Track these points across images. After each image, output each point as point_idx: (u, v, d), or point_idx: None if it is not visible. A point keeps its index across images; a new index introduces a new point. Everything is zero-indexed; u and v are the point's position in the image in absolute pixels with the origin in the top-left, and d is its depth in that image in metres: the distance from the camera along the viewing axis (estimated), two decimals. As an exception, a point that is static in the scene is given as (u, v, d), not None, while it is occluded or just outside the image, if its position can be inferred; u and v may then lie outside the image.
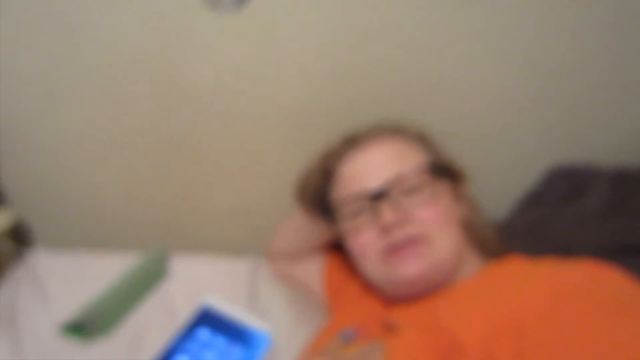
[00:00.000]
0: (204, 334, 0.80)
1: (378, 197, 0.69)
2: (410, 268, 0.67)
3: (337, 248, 0.92)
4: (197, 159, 1.01)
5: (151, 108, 0.97)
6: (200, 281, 0.88)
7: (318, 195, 0.81)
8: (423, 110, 0.91)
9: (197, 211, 1.05)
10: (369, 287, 0.78)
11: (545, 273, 0.60)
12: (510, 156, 0.97)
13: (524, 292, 0.57)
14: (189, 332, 0.80)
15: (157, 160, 1.01)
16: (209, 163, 1.02)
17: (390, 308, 0.71)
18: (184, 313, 0.82)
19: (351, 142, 0.77)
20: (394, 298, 0.72)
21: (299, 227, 0.90)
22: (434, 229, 0.68)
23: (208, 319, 0.83)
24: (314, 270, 0.92)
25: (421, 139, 0.78)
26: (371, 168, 0.72)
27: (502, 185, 0.98)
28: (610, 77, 0.93)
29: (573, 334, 0.50)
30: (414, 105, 0.92)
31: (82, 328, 0.75)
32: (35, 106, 0.97)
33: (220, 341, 0.80)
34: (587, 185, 0.91)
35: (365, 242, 0.71)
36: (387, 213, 0.68)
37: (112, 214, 1.05)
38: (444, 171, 0.74)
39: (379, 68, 0.92)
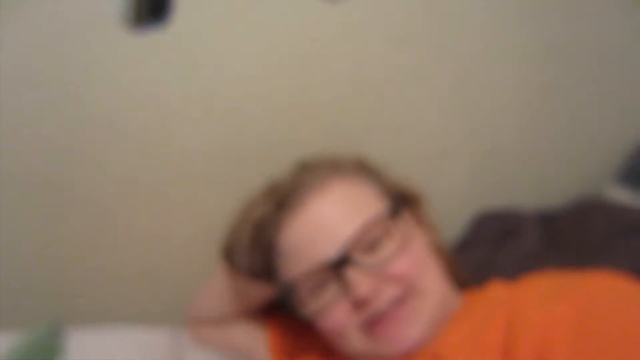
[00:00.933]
0: None
1: (341, 264, 0.57)
2: (406, 335, 0.57)
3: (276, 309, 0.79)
4: (100, 211, 0.85)
5: (45, 147, 0.80)
6: (110, 358, 0.69)
7: (257, 269, 0.67)
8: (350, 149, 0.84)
9: (100, 275, 0.86)
10: (337, 354, 0.65)
11: (557, 290, 0.54)
12: (436, 204, 0.94)
13: (541, 318, 0.50)
14: None
15: (49, 214, 0.82)
16: (115, 216, 0.86)
17: None
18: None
19: (283, 203, 0.63)
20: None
21: (228, 286, 0.76)
22: (417, 279, 0.59)
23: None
24: (254, 334, 0.77)
25: (363, 170, 0.67)
26: (321, 231, 0.59)
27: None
28: (530, 123, 0.98)
29: (605, 347, 0.46)
30: (340, 144, 0.85)
31: None
32: None
33: None
34: (516, 227, 0.93)
35: (338, 321, 0.59)
36: (359, 282, 0.56)
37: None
38: (401, 202, 0.65)
39: (312, 104, 0.86)
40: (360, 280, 0.56)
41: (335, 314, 0.59)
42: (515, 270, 0.85)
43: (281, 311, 0.79)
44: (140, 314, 0.85)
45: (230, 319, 0.78)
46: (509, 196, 0.99)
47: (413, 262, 0.59)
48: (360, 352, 0.60)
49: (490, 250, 0.92)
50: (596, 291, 0.51)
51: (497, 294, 0.61)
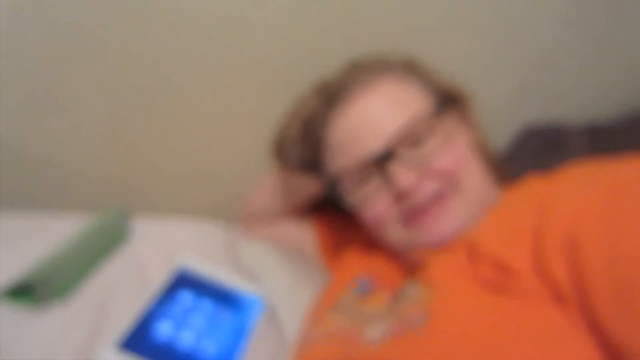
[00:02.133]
0: (186, 297, 0.67)
1: (385, 159, 0.58)
2: (443, 227, 0.58)
3: (323, 207, 0.83)
4: (157, 115, 0.88)
5: (105, 54, 0.82)
6: (170, 242, 0.74)
7: (305, 163, 0.70)
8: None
9: (159, 173, 0.90)
10: (378, 246, 0.68)
11: (589, 176, 0.53)
12: (481, 118, 0.95)
13: (573, 199, 0.49)
14: (168, 295, 0.66)
15: (113, 115, 0.85)
16: (170, 119, 0.88)
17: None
18: (156, 275, 0.68)
19: (333, 99, 0.64)
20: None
21: (279, 184, 0.79)
22: (459, 175, 0.59)
23: (188, 281, 0.69)
24: (303, 229, 0.81)
25: (411, 69, 0.67)
26: (367, 126, 0.60)
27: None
28: (576, 35, 0.96)
29: (635, 227, 0.43)
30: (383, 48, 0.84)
31: (29, 291, 0.59)
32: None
33: (207, 304, 0.67)
34: (562, 142, 0.93)
35: (380, 212, 0.61)
36: (402, 175, 0.57)
37: (63, 170, 0.87)
38: (448, 101, 0.65)
39: (360, 13, 0.84)
40: (402, 173, 0.58)
41: (377, 205, 0.61)
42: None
43: (328, 210, 0.82)
44: (195, 210, 0.90)
45: (281, 216, 0.81)
46: (559, 109, 0.98)
47: (454, 159, 0.60)
48: (400, 242, 0.62)
49: (534, 163, 0.92)
50: (630, 174, 0.49)
51: (533, 185, 0.60)
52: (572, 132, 0.95)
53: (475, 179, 0.61)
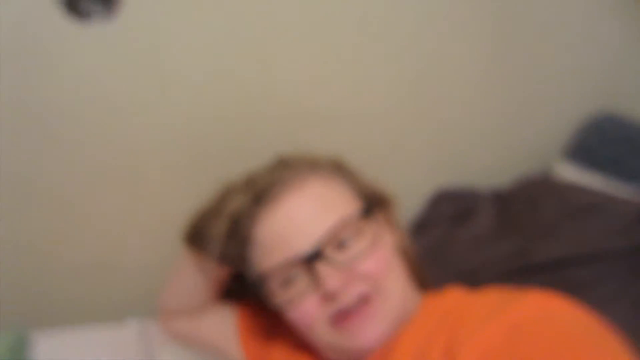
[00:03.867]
0: None
1: (313, 259, 0.59)
2: (369, 333, 0.59)
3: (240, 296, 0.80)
4: (56, 204, 0.83)
5: (22, 133, 0.77)
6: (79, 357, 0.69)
7: (229, 258, 0.68)
8: (306, 138, 0.82)
9: (62, 271, 0.85)
10: (303, 345, 0.68)
11: (495, 308, 0.57)
12: (394, 182, 0.97)
13: (476, 332, 0.54)
14: None
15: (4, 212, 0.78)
16: (72, 208, 0.84)
17: None
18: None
19: (261, 197, 0.64)
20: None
21: (191, 272, 0.76)
22: (383, 279, 0.61)
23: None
24: (224, 327, 0.78)
25: (338, 170, 0.68)
26: (296, 227, 0.61)
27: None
28: (480, 102, 1.00)
29: None
30: (296, 134, 0.87)
31: None
32: None
33: None
34: (472, 207, 0.97)
35: (307, 312, 0.61)
36: (329, 277, 0.58)
37: None
38: (373, 203, 0.66)
39: (268, 96, 0.87)
40: (329, 275, 0.58)
41: (305, 306, 0.61)
42: (469, 251, 0.90)
43: (251, 300, 0.80)
44: (108, 308, 0.85)
45: (201, 308, 0.79)
46: (464, 175, 1.02)
47: (380, 262, 0.61)
48: (327, 344, 0.62)
49: (447, 230, 0.96)
50: (527, 313, 0.54)
51: (449, 304, 0.63)
52: (481, 196, 0.99)
53: (398, 284, 0.63)
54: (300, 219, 0.61)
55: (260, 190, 0.64)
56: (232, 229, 0.66)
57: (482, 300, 0.61)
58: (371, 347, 0.60)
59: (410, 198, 0.99)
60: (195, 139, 0.85)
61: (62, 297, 0.85)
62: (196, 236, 0.71)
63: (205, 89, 0.83)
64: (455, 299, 0.64)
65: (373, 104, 0.94)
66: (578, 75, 1.06)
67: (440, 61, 0.95)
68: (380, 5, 0.87)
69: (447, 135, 1.01)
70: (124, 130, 0.81)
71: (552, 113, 1.07)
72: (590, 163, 1.02)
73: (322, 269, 0.58)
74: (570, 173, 1.02)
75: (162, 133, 0.83)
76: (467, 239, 0.92)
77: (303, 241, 0.60)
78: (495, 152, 1.04)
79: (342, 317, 0.60)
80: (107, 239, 0.86)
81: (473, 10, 0.94)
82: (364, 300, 0.60)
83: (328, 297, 0.59)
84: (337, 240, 0.60)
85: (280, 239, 0.61)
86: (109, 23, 0.74)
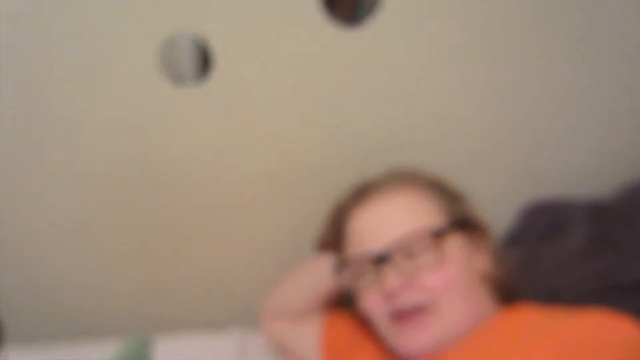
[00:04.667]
0: None
1: (380, 260, 0.66)
2: (417, 341, 0.65)
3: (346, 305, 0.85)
4: (173, 232, 0.99)
5: (123, 185, 0.95)
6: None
7: (331, 244, 0.79)
8: (396, 158, 0.88)
9: (177, 288, 1.00)
10: (384, 346, 0.73)
11: (554, 324, 0.58)
12: (483, 195, 0.95)
13: (532, 346, 0.56)
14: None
15: (130, 238, 0.97)
16: (185, 235, 0.99)
17: None
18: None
19: (359, 196, 0.74)
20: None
21: (307, 279, 0.85)
22: (442, 296, 0.65)
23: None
24: (311, 336, 0.84)
25: (436, 189, 0.74)
26: (375, 228, 0.69)
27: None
28: (580, 110, 0.97)
29: None
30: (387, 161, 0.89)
31: None
32: (2, 196, 0.94)
33: None
34: (564, 221, 0.92)
35: (372, 304, 0.68)
36: (390, 278, 0.65)
37: (86, 299, 0.99)
38: (460, 226, 0.70)
39: (348, 125, 0.95)
40: (391, 276, 0.65)
41: (370, 298, 0.68)
42: (557, 269, 0.85)
43: (340, 310, 0.86)
44: (212, 319, 0.99)
45: (304, 314, 0.85)
46: (559, 184, 0.97)
47: (443, 280, 0.65)
48: (385, 336, 0.69)
49: (537, 245, 0.91)
50: (583, 331, 0.55)
51: (512, 322, 0.64)
52: (575, 209, 0.93)
53: (457, 305, 0.65)
54: (381, 221, 0.70)
55: (361, 189, 0.75)
56: (334, 217, 0.78)
57: (546, 317, 0.61)
58: (415, 355, 0.64)
59: (502, 210, 0.97)
60: (284, 174, 0.96)
61: (176, 313, 1.01)
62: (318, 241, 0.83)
63: (289, 132, 0.94)
64: (525, 315, 0.65)
65: (462, 112, 0.96)
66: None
67: (531, 63, 0.94)
68: (471, 21, 0.91)
69: (540, 140, 0.98)
70: (224, 172, 0.96)
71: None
72: None
73: (387, 270, 0.65)
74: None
75: (252, 170, 0.95)
76: (556, 256, 0.87)
77: (377, 242, 0.67)
78: (594, 157, 0.97)
79: (397, 317, 0.65)
80: (215, 259, 1.00)
81: (563, 27, 0.92)
82: (418, 310, 0.64)
83: (386, 295, 0.65)
84: (407, 248, 0.65)
85: (362, 235, 0.70)
86: (200, 85, 0.89)
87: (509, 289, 0.73)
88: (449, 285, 0.65)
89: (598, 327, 0.55)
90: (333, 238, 0.77)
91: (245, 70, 0.91)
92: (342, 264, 0.73)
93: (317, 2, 0.88)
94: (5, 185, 0.93)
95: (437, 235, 0.66)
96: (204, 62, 0.89)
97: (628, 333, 0.54)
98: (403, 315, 0.65)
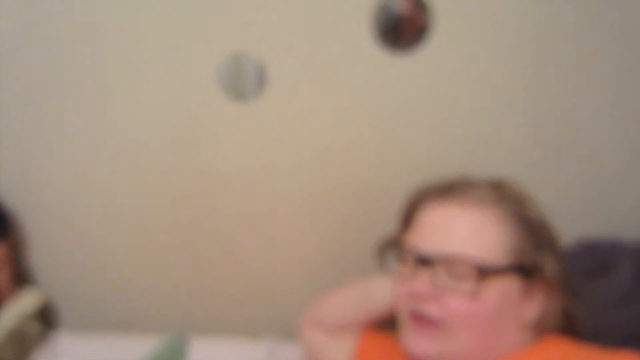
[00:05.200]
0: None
1: (424, 262, 0.66)
2: (418, 346, 0.66)
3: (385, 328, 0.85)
4: (218, 241, 1.04)
5: (176, 194, 1.01)
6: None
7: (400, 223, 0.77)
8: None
9: (216, 293, 1.05)
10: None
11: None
12: None
13: None
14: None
15: (179, 243, 1.03)
16: (230, 244, 1.04)
17: None
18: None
19: (448, 189, 0.71)
20: None
21: (362, 293, 0.84)
22: (458, 324, 0.64)
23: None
24: (343, 351, 0.84)
25: (524, 225, 0.68)
26: (439, 229, 0.68)
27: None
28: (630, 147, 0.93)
29: None
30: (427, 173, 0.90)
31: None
32: (67, 189, 1.03)
33: None
34: (612, 261, 0.88)
35: (400, 294, 0.69)
36: (423, 283, 0.65)
37: (135, 295, 1.06)
38: (518, 272, 0.66)
39: (390, 142, 0.97)
40: (423, 280, 0.65)
41: (401, 287, 0.69)
42: (602, 309, 0.82)
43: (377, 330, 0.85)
44: (245, 327, 1.02)
45: (345, 329, 0.85)
46: (610, 223, 0.94)
47: (465, 313, 0.64)
48: (400, 331, 0.70)
49: (582, 284, 0.89)
50: None
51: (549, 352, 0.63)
52: (624, 249, 0.90)
53: (467, 338, 0.64)
54: (448, 227, 0.67)
55: (455, 185, 0.71)
56: (412, 200, 0.75)
57: (574, 353, 0.60)
58: (415, 357, 0.65)
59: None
60: (326, 190, 0.99)
61: (213, 317, 1.06)
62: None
63: (335, 153, 0.98)
64: (553, 350, 0.64)
65: (510, 143, 0.95)
66: None
67: (579, 98, 0.92)
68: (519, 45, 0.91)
69: (590, 179, 0.95)
70: (270, 186, 1.00)
71: None
72: None
73: (422, 271, 0.65)
74: None
75: (297, 188, 0.99)
76: (600, 297, 0.85)
77: (432, 243, 0.67)
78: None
79: (414, 317, 0.66)
80: (255, 270, 1.04)
81: (613, 64, 0.90)
82: (431, 322, 0.65)
83: (412, 295, 0.66)
84: (451, 266, 0.64)
85: (425, 229, 0.69)
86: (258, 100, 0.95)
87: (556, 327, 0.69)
88: (470, 319, 0.64)
89: None
90: (404, 217, 0.76)
91: (297, 90, 0.95)
92: (394, 244, 0.73)
93: (372, 32, 0.91)
94: (77, 176, 1.01)
95: (483, 272, 0.64)
96: (260, 81, 0.94)
97: None
98: (416, 318, 0.66)
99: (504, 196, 0.68)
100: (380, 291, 0.80)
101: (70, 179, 1.02)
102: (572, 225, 0.95)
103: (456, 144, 0.96)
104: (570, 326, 0.69)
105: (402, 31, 0.91)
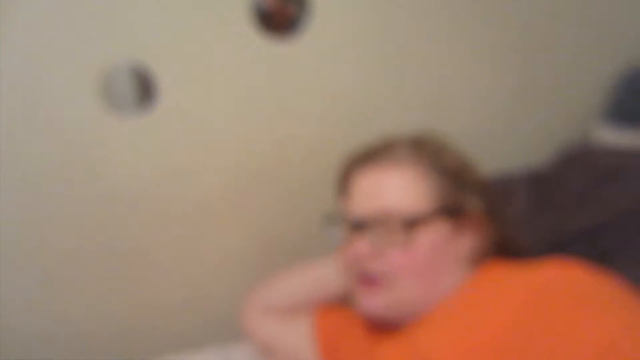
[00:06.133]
0: None
1: (359, 226, 0.70)
2: (369, 304, 0.70)
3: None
4: (136, 260, 0.99)
5: (79, 222, 0.95)
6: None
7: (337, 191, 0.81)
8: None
9: (153, 310, 1.01)
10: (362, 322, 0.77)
11: (515, 279, 0.64)
12: None
13: (498, 304, 0.61)
14: None
15: (93, 273, 0.97)
16: (150, 260, 1.00)
17: (377, 344, 0.72)
18: None
19: (370, 155, 0.75)
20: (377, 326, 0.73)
21: (311, 278, 0.86)
22: (400, 275, 0.69)
23: None
24: (304, 332, 0.84)
25: (441, 170, 0.73)
26: (364, 194, 0.73)
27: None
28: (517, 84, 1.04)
29: (547, 330, 0.55)
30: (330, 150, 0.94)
31: None
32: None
33: None
34: (510, 192, 0.98)
35: (346, 259, 0.73)
36: (361, 245, 0.70)
37: (69, 337, 0.99)
38: (444, 214, 0.71)
39: (287, 127, 0.99)
40: (362, 243, 0.70)
41: (347, 254, 0.73)
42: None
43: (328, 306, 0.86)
44: (193, 339, 1.00)
45: (297, 312, 0.85)
46: (502, 158, 1.04)
47: (403, 262, 0.69)
48: (353, 294, 0.74)
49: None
50: (542, 279, 0.61)
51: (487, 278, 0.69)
52: (517, 180, 1.00)
53: (407, 286, 0.69)
54: (374, 189, 0.72)
55: (375, 150, 0.76)
56: (342, 171, 0.79)
57: (508, 273, 0.68)
58: (369, 316, 0.71)
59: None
60: (237, 190, 1.00)
61: (155, 331, 1.02)
62: None
63: (238, 146, 0.98)
64: (490, 275, 0.69)
65: (396, 108, 1.02)
66: (605, 30, 1.04)
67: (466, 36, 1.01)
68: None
69: (479, 121, 1.04)
70: (179, 190, 0.97)
71: (584, 75, 1.06)
72: (629, 121, 0.99)
73: (357, 236, 0.70)
74: (610, 136, 1.00)
75: (206, 190, 0.98)
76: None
77: (363, 207, 0.71)
78: (531, 127, 1.06)
79: (360, 279, 0.71)
80: (184, 280, 1.01)
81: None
82: (375, 278, 0.69)
83: (354, 258, 0.71)
84: (386, 223, 0.69)
85: (355, 196, 0.73)
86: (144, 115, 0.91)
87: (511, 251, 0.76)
88: (409, 267, 0.69)
89: (554, 274, 0.62)
90: (339, 187, 0.80)
91: (190, 92, 0.94)
92: (334, 217, 0.77)
93: (250, 18, 0.92)
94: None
95: (411, 223, 0.69)
96: (145, 89, 0.91)
97: (580, 275, 0.61)
98: (362, 279, 0.70)
99: (422, 150, 0.74)
100: (331, 276, 0.83)
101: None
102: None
103: (348, 118, 1.01)
104: (508, 249, 0.75)
105: (275, 23, 0.93)
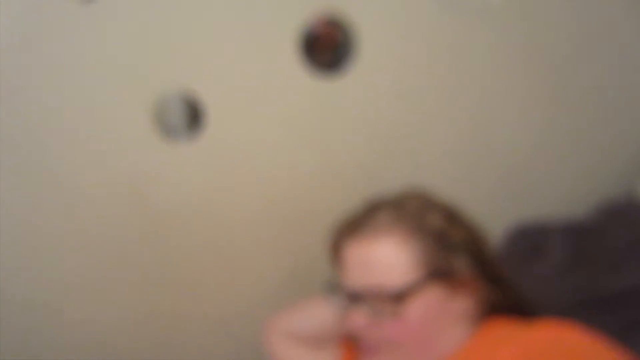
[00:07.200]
0: None
1: (354, 298, 0.72)
2: None
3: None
4: (173, 282, 1.04)
5: (122, 241, 1.01)
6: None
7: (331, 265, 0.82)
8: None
9: (179, 334, 1.06)
10: None
11: (511, 338, 0.64)
12: None
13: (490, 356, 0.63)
14: None
15: (132, 291, 1.03)
16: (185, 284, 1.05)
17: None
18: None
19: (350, 227, 0.76)
20: None
21: (314, 314, 0.86)
22: (397, 342, 0.71)
23: None
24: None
25: (427, 233, 0.72)
26: (353, 267, 0.74)
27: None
28: (549, 135, 1.04)
29: None
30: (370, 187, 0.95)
31: None
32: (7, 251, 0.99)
33: None
34: (544, 242, 0.97)
35: (347, 329, 0.75)
36: (356, 318, 0.71)
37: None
38: (434, 278, 0.71)
39: (330, 162, 1.03)
40: (357, 316, 0.72)
41: (345, 322, 0.75)
42: (539, 285, 0.88)
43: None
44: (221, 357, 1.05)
45: (318, 343, 0.86)
46: (542, 207, 1.03)
47: (398, 332, 0.70)
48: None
49: (520, 265, 0.96)
50: (536, 342, 0.61)
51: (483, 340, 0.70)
52: (555, 230, 0.97)
53: (408, 352, 0.71)
54: (363, 262, 0.72)
55: (360, 218, 0.75)
56: (333, 241, 0.79)
57: (505, 331, 0.68)
58: None
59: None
60: (276, 216, 1.03)
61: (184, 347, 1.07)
62: None
63: (279, 177, 1.02)
64: (489, 333, 0.70)
65: (443, 141, 1.03)
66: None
67: (505, 87, 1.02)
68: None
69: (518, 168, 1.04)
70: (221, 214, 1.02)
71: (632, 128, 1.04)
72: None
73: (354, 309, 0.72)
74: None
75: (247, 216, 1.03)
76: (535, 277, 0.91)
77: (355, 280, 0.72)
78: (572, 180, 1.04)
79: (362, 346, 0.73)
80: (216, 306, 1.06)
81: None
82: (377, 346, 0.71)
83: (353, 329, 0.73)
84: (379, 296, 0.70)
85: (347, 268, 0.74)
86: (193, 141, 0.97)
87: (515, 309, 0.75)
88: (404, 336, 0.70)
89: (547, 335, 0.62)
90: (331, 257, 0.80)
91: (235, 122, 0.99)
92: (334, 287, 0.78)
93: (297, 52, 0.96)
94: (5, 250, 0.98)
95: (400, 295, 0.70)
96: (195, 117, 0.96)
97: (576, 339, 0.61)
98: (365, 346, 0.73)
99: (404, 215, 0.73)
100: (328, 313, 0.83)
101: (10, 241, 0.98)
102: (503, 216, 1.04)
103: (388, 156, 1.03)
104: (515, 307, 0.74)
105: (321, 50, 0.97)
